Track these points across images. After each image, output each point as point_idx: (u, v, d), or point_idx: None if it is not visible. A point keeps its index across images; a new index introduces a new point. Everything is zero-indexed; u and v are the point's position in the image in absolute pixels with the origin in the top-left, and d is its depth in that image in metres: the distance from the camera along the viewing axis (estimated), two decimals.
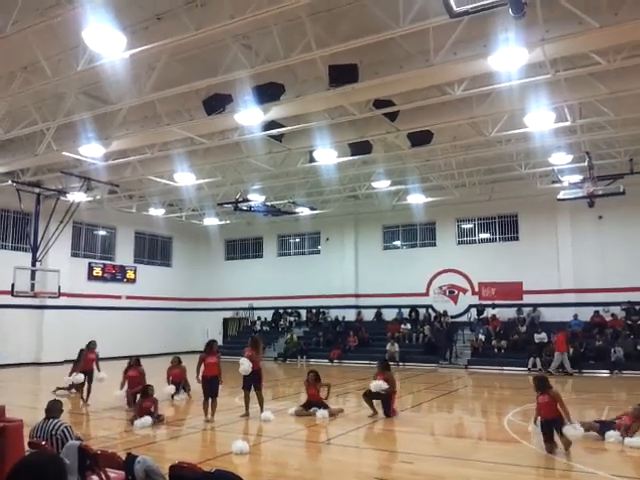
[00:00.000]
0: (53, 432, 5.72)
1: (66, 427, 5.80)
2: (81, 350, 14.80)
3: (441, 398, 15.12)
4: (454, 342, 24.07)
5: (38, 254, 21.94)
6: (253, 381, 11.46)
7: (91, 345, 13.93)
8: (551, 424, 8.46)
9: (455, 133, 16.48)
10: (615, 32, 9.57)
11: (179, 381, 14.03)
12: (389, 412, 11.59)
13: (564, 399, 8.73)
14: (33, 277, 21.17)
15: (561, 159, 18.29)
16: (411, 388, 16.95)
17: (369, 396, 11.77)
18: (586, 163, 17.32)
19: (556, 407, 8.49)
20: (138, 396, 11.85)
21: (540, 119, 14.27)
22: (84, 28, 9.43)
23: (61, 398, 12.49)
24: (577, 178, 18.67)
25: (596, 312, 22.98)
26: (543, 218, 24.57)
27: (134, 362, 13.08)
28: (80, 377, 13.71)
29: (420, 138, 15.86)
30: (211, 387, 11.17)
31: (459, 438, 10.37)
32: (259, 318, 30.93)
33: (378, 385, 11.54)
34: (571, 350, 20.85)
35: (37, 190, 21.73)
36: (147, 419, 10.60)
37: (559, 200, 19.31)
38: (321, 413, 11.43)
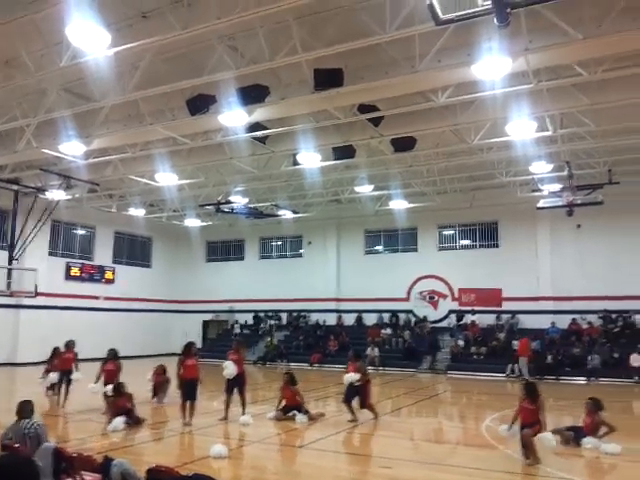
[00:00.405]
0: (26, 431, 5.62)
1: (39, 425, 5.70)
2: (54, 348, 14.59)
3: (420, 403, 15.18)
4: (439, 349, 24.10)
5: (15, 252, 21.59)
6: (237, 384, 11.47)
7: (70, 344, 13.68)
8: (532, 425, 8.42)
9: (438, 140, 16.61)
10: (598, 44, 9.74)
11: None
12: (365, 404, 11.67)
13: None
14: (9, 276, 20.85)
15: (541, 168, 18.53)
16: (390, 393, 16.98)
17: (348, 399, 11.74)
18: (566, 172, 17.61)
19: (537, 415, 8.53)
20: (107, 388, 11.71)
21: (522, 128, 14.45)
22: (68, 24, 9.31)
23: (42, 399, 12.32)
24: (557, 187, 18.97)
25: (573, 320, 23.30)
26: (523, 226, 24.86)
27: (112, 355, 12.86)
28: (54, 377, 13.51)
29: (403, 144, 15.95)
30: (190, 390, 11.03)
31: (437, 443, 10.42)
32: (237, 321, 30.75)
33: (350, 377, 11.64)
34: (549, 357, 21.11)
35: (15, 187, 21.39)
36: (119, 421, 10.39)
37: (539, 208, 19.59)
38: (300, 418, 11.39)
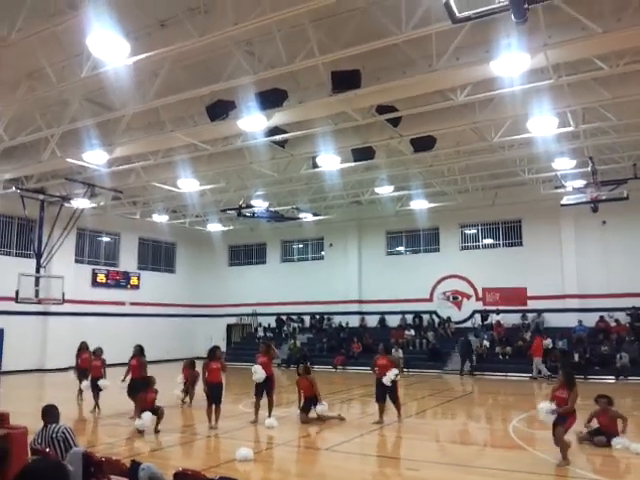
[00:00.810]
0: (54, 436, 5.68)
1: (66, 429, 5.75)
2: (81, 343, 15.15)
3: (445, 405, 15.06)
4: (472, 352, 23.19)
5: (42, 260, 21.99)
6: (266, 387, 11.54)
7: (97, 352, 13.98)
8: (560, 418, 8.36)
9: (458, 138, 16.48)
10: (618, 37, 9.57)
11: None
12: (395, 398, 11.77)
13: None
14: (37, 284, 21.21)
15: (564, 164, 18.25)
16: (415, 395, 16.89)
17: (381, 397, 11.74)
18: (589, 168, 17.31)
19: (571, 404, 8.42)
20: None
21: (543, 124, 14.25)
22: (88, 35, 9.47)
23: (71, 404, 12.51)
24: (580, 183, 18.67)
25: (601, 317, 22.90)
26: (547, 223, 24.51)
27: (137, 351, 13.12)
28: (86, 384, 13.86)
29: (423, 144, 15.86)
30: (215, 393, 11.13)
31: (464, 445, 10.33)
32: (260, 324, 30.92)
33: (390, 378, 11.52)
34: (576, 356, 20.78)
35: (41, 197, 21.81)
36: (148, 416, 10.56)
37: (562, 205, 19.31)
38: (320, 408, 11.47)
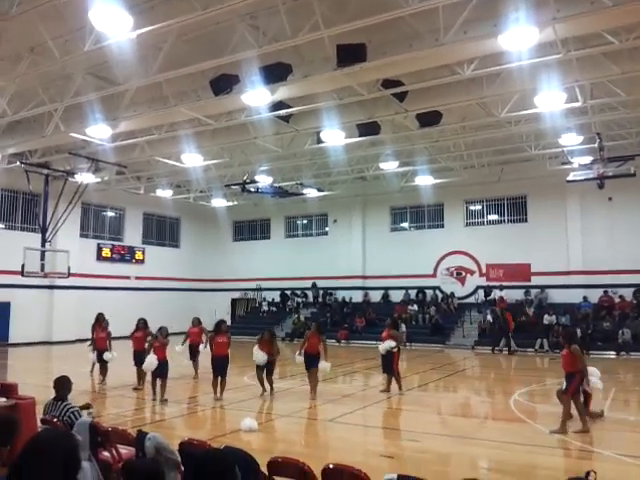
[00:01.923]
0: (61, 416, 5.76)
1: (72, 412, 5.83)
2: (98, 315, 14.99)
3: (448, 378, 15.21)
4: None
5: (47, 235, 22.09)
6: (266, 369, 11.74)
7: (103, 323, 14.17)
8: (569, 378, 8.53)
9: (464, 114, 16.33)
10: (628, 11, 9.39)
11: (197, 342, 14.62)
12: (391, 370, 12.00)
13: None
14: (43, 258, 21.34)
15: (571, 140, 18.10)
16: (417, 368, 17.06)
17: (387, 369, 12.11)
18: (596, 144, 17.16)
19: (572, 362, 8.56)
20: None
21: (551, 99, 14.08)
22: (90, 8, 9.37)
23: (77, 376, 12.70)
24: (587, 159, 18.54)
25: (605, 292, 22.94)
26: (552, 200, 24.40)
27: (141, 324, 13.39)
28: (93, 357, 14.08)
29: (429, 119, 15.71)
30: (220, 366, 11.36)
31: (465, 417, 10.46)
32: (264, 299, 31.15)
33: (385, 347, 12.02)
34: (579, 331, 20.86)
35: (45, 171, 21.80)
36: (152, 358, 11.19)
37: (569, 182, 19.20)
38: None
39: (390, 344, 12.02)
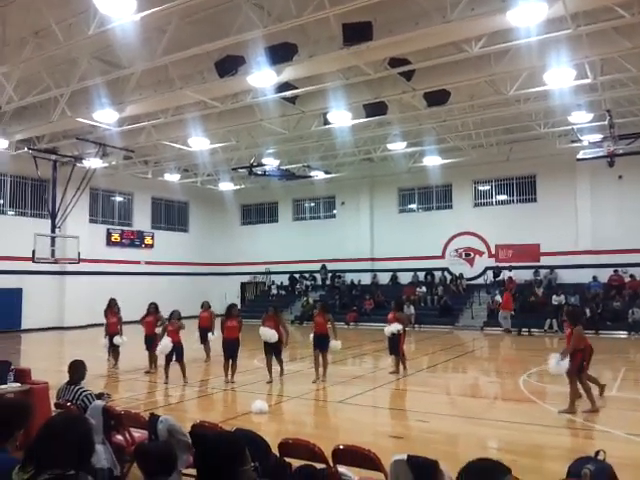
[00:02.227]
0: (74, 400, 5.81)
1: (86, 395, 5.88)
2: (111, 300, 14.86)
3: (456, 359, 15.25)
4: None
5: (57, 221, 22.19)
6: (274, 349, 11.54)
7: (114, 309, 14.28)
8: (571, 357, 8.57)
9: (473, 92, 16.13)
10: None
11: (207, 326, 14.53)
12: (397, 351, 12.11)
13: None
14: (53, 243, 21.46)
15: (581, 118, 17.84)
16: (427, 350, 17.09)
17: (394, 351, 12.21)
18: (607, 121, 16.94)
19: (575, 342, 8.62)
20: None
21: (560, 76, 13.86)
22: None
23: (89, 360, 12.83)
24: (597, 137, 18.32)
25: (615, 271, 22.81)
26: (562, 178, 24.17)
27: (153, 309, 13.51)
28: (105, 342, 14.16)
29: (436, 98, 15.52)
30: (231, 349, 11.45)
31: (474, 398, 10.49)
32: (273, 282, 31.27)
33: (390, 330, 12.12)
34: (587, 311, 20.81)
35: (53, 157, 21.84)
36: (167, 341, 11.38)
37: (578, 160, 19.03)
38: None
39: (396, 327, 12.05)
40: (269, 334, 11.36)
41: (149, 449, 3.36)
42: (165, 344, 11.50)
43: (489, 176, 26.25)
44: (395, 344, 12.18)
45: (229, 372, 11.47)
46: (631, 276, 22.39)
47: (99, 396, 6.03)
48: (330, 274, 29.93)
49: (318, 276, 30.40)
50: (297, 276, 30.75)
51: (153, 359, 12.93)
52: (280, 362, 11.81)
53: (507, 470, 2.13)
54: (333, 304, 27.39)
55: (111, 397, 6.34)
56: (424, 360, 14.80)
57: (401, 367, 12.18)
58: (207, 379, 12.39)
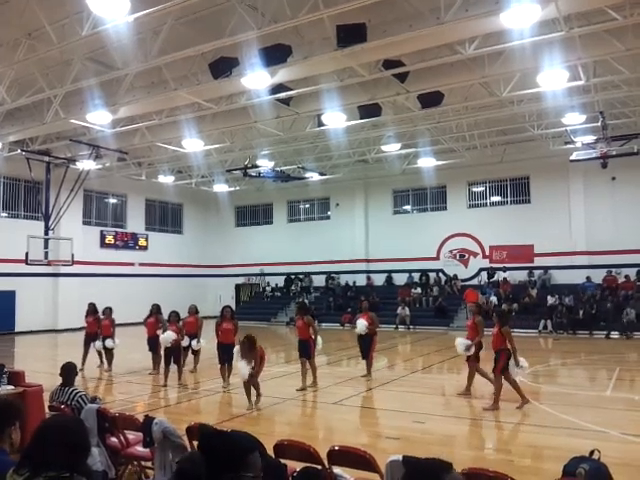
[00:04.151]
0: (69, 402, 5.79)
1: (80, 396, 5.87)
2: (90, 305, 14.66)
3: (451, 360, 15.24)
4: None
5: (50, 223, 22.09)
6: (303, 351, 11.03)
7: (106, 311, 14.14)
8: (497, 355, 9.25)
9: (466, 94, 16.19)
10: None
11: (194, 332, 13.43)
12: (367, 355, 11.84)
13: (563, 360, 8.78)
14: (46, 246, 21.36)
15: (574, 119, 17.95)
16: (421, 351, 17.10)
17: (364, 353, 11.96)
18: (600, 123, 17.02)
19: (501, 341, 9.21)
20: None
21: (553, 78, 13.95)
22: None
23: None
24: (590, 138, 18.38)
25: (609, 272, 22.91)
26: (555, 180, 24.28)
27: (155, 310, 13.40)
28: (99, 344, 14.00)
29: (431, 99, 15.58)
30: (227, 354, 10.96)
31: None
32: (268, 283, 31.24)
33: (361, 327, 11.73)
34: (581, 312, 20.90)
35: (47, 158, 21.73)
36: (170, 334, 11.46)
37: (572, 161, 19.06)
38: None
39: (363, 322, 11.66)
40: (243, 370, 9.63)
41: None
42: (168, 335, 11.47)
43: (483, 177, 26.34)
44: (366, 347, 11.83)
45: (227, 376, 11.16)
46: (626, 277, 22.49)
47: (92, 400, 6.01)
48: (325, 275, 29.92)
49: (314, 278, 30.33)
50: (293, 277, 30.65)
51: (157, 360, 12.90)
52: (313, 369, 11.14)
53: (449, 466, 2.12)
54: (328, 306, 27.43)
55: (103, 400, 6.29)
56: (419, 361, 14.81)
57: (388, 372, 12.00)
58: (201, 381, 12.34)
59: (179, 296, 30.03)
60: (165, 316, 12.63)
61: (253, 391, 9.37)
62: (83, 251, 24.69)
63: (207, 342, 13.03)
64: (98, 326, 13.83)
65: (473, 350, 10.17)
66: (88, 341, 13.94)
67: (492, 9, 10.18)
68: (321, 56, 11.99)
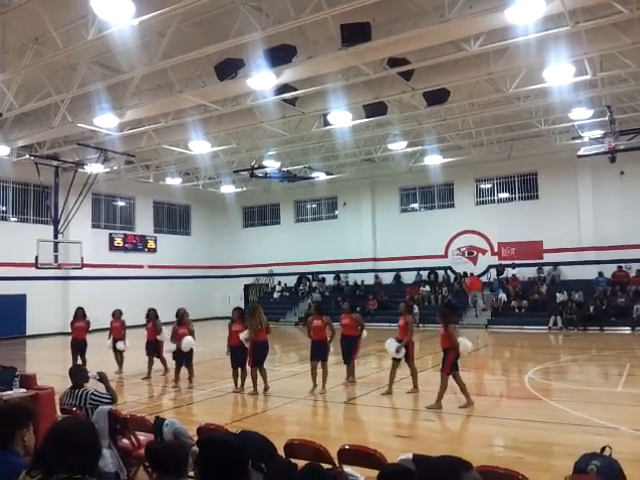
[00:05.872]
0: (81, 404, 5.79)
1: (92, 394, 5.88)
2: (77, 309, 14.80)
3: (461, 358, 15.19)
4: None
5: (59, 226, 22.23)
6: (318, 352, 10.58)
7: (116, 313, 14.26)
8: (445, 354, 9.29)
9: (472, 90, 16.12)
10: None
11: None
12: (350, 360, 11.25)
13: (574, 357, 8.74)
14: (56, 249, 21.49)
15: (581, 114, 17.84)
16: (431, 349, 17.03)
17: (346, 357, 11.32)
18: (607, 117, 16.89)
19: (447, 340, 9.22)
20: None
21: (559, 73, 13.86)
22: None
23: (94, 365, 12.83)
24: (598, 133, 18.26)
25: (619, 267, 22.77)
26: (563, 175, 24.15)
27: (152, 314, 13.49)
28: (109, 343, 14.16)
29: (436, 97, 15.52)
30: (239, 357, 10.73)
31: (480, 396, 10.43)
32: (280, 283, 31.28)
33: (392, 349, 10.24)
34: (591, 308, 20.79)
35: (55, 163, 21.88)
36: (190, 339, 11.59)
37: (579, 156, 18.94)
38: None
39: (394, 344, 10.32)
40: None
41: (160, 448, 3.35)
42: (189, 341, 11.54)
43: (490, 174, 26.23)
44: (350, 350, 11.19)
45: (239, 380, 10.82)
46: (638, 271, 22.31)
47: (96, 376, 6.07)
48: (333, 275, 29.91)
49: (325, 277, 30.33)
50: (307, 276, 30.64)
51: (152, 365, 12.95)
52: (324, 372, 10.70)
53: (468, 465, 2.11)
54: (337, 305, 27.37)
55: (103, 375, 6.24)
56: (429, 359, 14.77)
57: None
58: (211, 382, 12.37)
59: (189, 298, 30.21)
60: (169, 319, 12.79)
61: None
62: (92, 254, 24.83)
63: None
64: (87, 331, 13.90)
65: (404, 352, 10.04)
66: (77, 348, 13.83)
67: (496, 5, 10.14)
68: (326, 56, 12.00)
